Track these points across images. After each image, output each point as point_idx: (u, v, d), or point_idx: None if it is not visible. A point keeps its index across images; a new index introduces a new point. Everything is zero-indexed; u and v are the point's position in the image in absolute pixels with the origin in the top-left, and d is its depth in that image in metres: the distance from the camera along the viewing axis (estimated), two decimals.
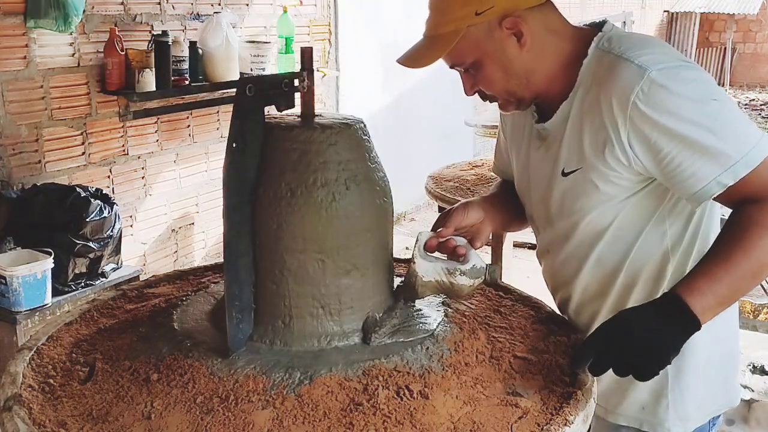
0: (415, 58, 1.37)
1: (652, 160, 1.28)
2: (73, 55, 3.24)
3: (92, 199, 2.90)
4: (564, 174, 1.39)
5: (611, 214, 1.38)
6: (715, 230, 1.44)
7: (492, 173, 3.40)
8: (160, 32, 3.38)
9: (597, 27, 1.39)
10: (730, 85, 14.92)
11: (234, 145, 1.25)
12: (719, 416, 1.54)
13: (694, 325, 1.21)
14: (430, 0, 1.37)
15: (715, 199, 1.27)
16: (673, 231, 1.40)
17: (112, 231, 2.96)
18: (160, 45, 3.33)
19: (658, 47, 1.31)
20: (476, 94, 1.43)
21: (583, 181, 1.36)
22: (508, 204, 1.60)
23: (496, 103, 1.45)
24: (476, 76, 1.38)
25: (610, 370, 1.23)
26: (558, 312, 1.57)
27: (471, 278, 1.35)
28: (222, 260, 1.30)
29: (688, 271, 1.31)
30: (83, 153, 3.36)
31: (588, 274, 1.46)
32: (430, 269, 1.34)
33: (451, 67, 1.39)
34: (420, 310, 1.42)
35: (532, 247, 1.86)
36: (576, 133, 1.35)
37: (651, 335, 1.21)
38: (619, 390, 1.47)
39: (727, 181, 1.23)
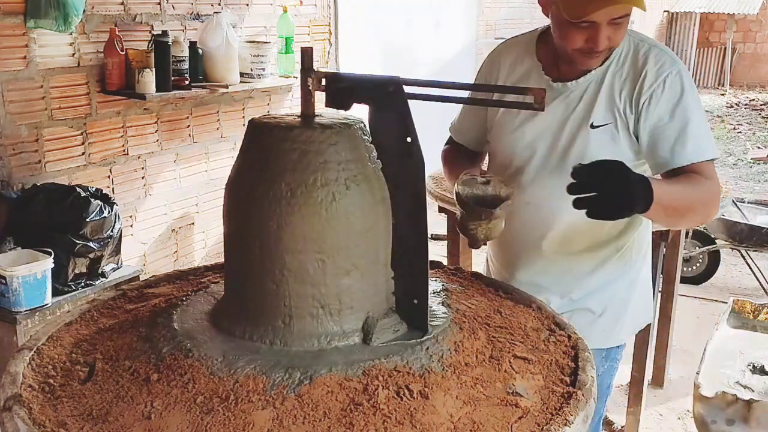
0: None
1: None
2: (73, 55, 3.24)
3: (92, 199, 2.90)
4: (593, 127, 1.70)
5: None
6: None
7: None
8: (160, 32, 3.38)
9: None
10: (730, 85, 14.92)
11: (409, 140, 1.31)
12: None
13: (648, 203, 1.50)
14: None
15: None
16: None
17: (112, 231, 2.96)
18: (160, 45, 3.33)
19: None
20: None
21: (611, 135, 1.69)
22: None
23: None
24: (617, 29, 1.63)
25: None
26: (553, 307, 1.60)
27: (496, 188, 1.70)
28: (222, 260, 1.30)
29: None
30: (83, 153, 3.36)
31: (565, 223, 1.77)
32: (467, 187, 1.72)
33: (615, 19, 1.61)
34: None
35: None
36: (609, 93, 1.70)
37: (633, 189, 1.47)
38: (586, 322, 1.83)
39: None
